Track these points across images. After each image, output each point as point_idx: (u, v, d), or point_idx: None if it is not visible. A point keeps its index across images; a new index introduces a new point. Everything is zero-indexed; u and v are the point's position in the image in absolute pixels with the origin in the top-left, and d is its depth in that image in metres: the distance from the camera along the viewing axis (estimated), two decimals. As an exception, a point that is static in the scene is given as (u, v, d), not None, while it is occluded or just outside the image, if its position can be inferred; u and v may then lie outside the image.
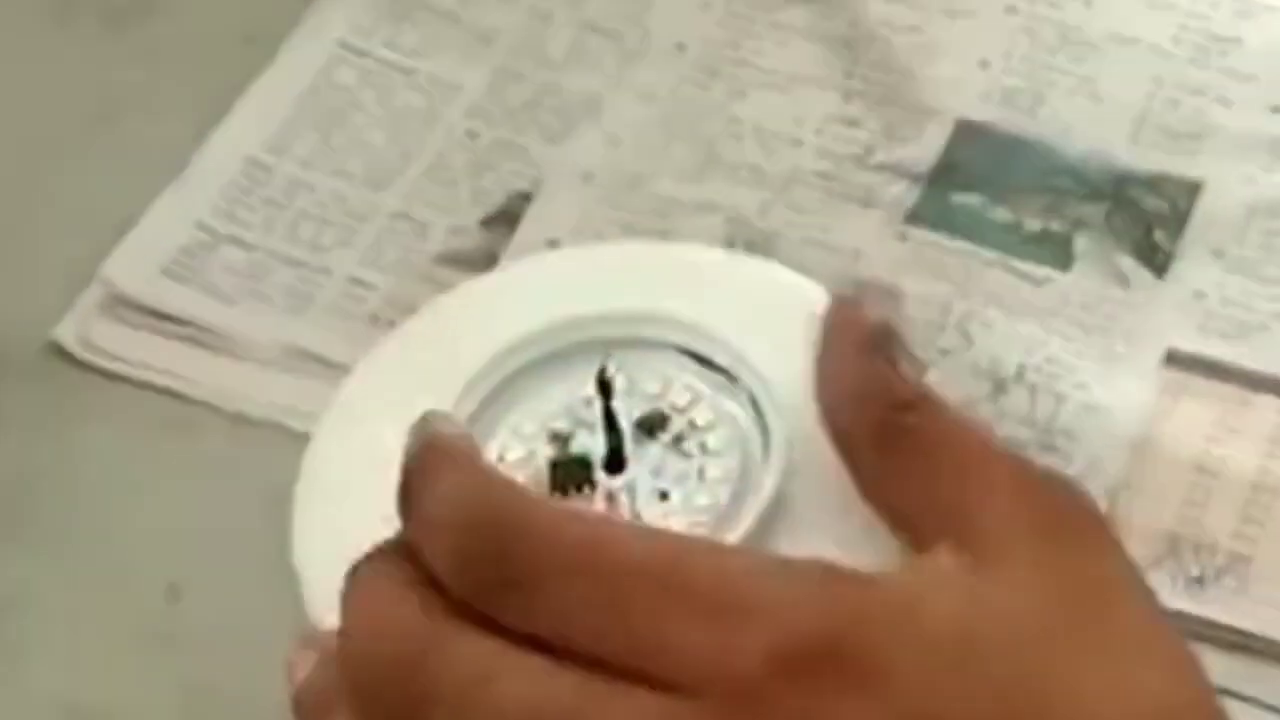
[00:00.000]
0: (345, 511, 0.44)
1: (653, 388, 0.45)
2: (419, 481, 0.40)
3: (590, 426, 0.45)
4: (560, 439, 0.45)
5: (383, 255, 0.67)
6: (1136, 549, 0.50)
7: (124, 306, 0.65)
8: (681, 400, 0.45)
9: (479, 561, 0.38)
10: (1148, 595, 0.38)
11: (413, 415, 0.42)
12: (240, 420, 0.63)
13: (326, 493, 0.45)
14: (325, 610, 0.41)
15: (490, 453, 0.44)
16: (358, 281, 0.66)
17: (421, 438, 0.41)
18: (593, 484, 0.44)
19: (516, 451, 0.45)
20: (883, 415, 0.39)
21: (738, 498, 0.42)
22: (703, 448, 0.44)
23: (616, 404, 0.45)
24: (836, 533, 0.41)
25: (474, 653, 0.37)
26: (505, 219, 0.67)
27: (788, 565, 0.37)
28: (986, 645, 0.35)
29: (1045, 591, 0.36)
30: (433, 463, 0.40)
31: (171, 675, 0.57)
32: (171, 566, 0.59)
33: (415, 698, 0.37)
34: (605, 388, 0.44)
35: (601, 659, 0.36)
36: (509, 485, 0.40)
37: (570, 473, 0.44)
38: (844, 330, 0.41)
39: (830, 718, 0.34)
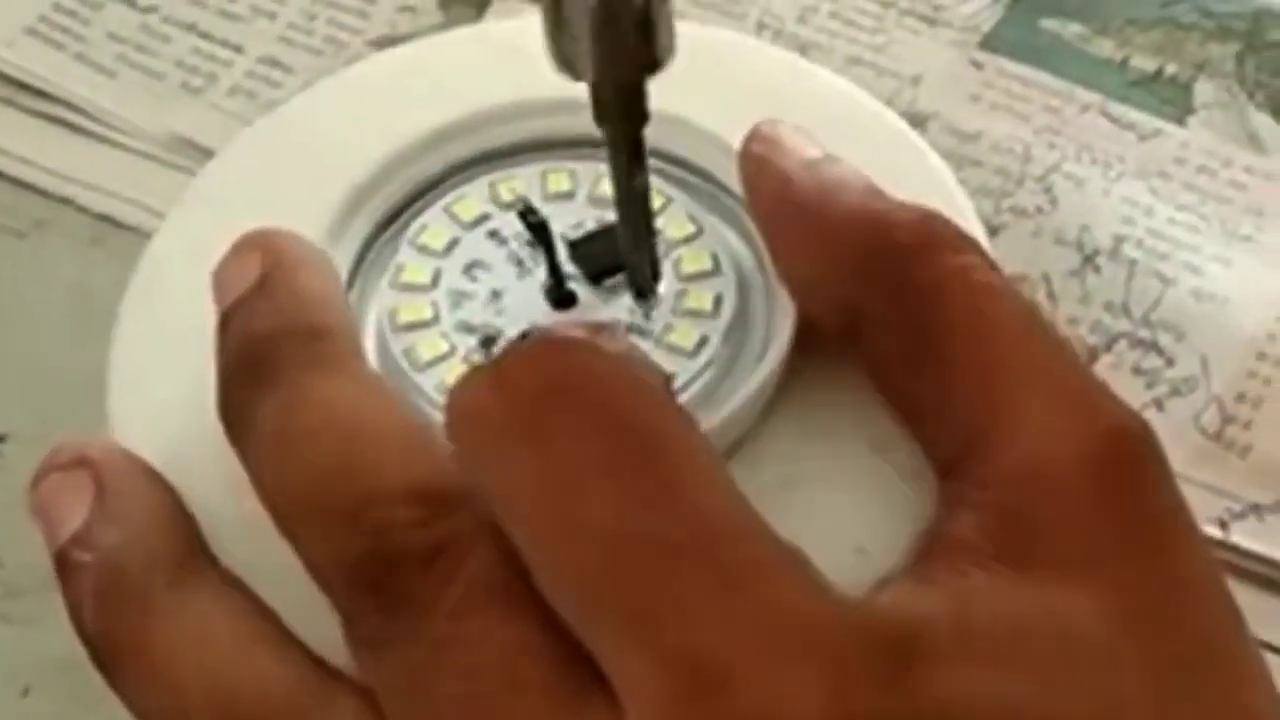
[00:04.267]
0: (172, 345, 0.37)
1: None
2: (247, 394, 0.33)
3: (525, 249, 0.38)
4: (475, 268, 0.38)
5: (310, 33, 0.59)
6: (1254, 485, 0.50)
7: (-24, 72, 0.59)
8: (678, 232, 0.38)
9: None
10: (1216, 587, 0.31)
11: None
12: (105, 224, 0.56)
13: (154, 313, 0.39)
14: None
15: (381, 287, 0.37)
16: (273, 62, 0.59)
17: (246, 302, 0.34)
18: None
19: (418, 274, 0.38)
20: (879, 271, 0.32)
21: (729, 360, 0.35)
22: (676, 267, 0.37)
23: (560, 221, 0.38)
24: (859, 426, 0.34)
25: None
26: (474, -1, 0.60)
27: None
28: None
29: (1092, 595, 0.30)
30: (270, 360, 0.33)
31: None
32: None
33: None
34: (537, 231, 0.37)
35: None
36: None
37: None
38: (791, 168, 0.34)
39: None
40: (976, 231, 0.38)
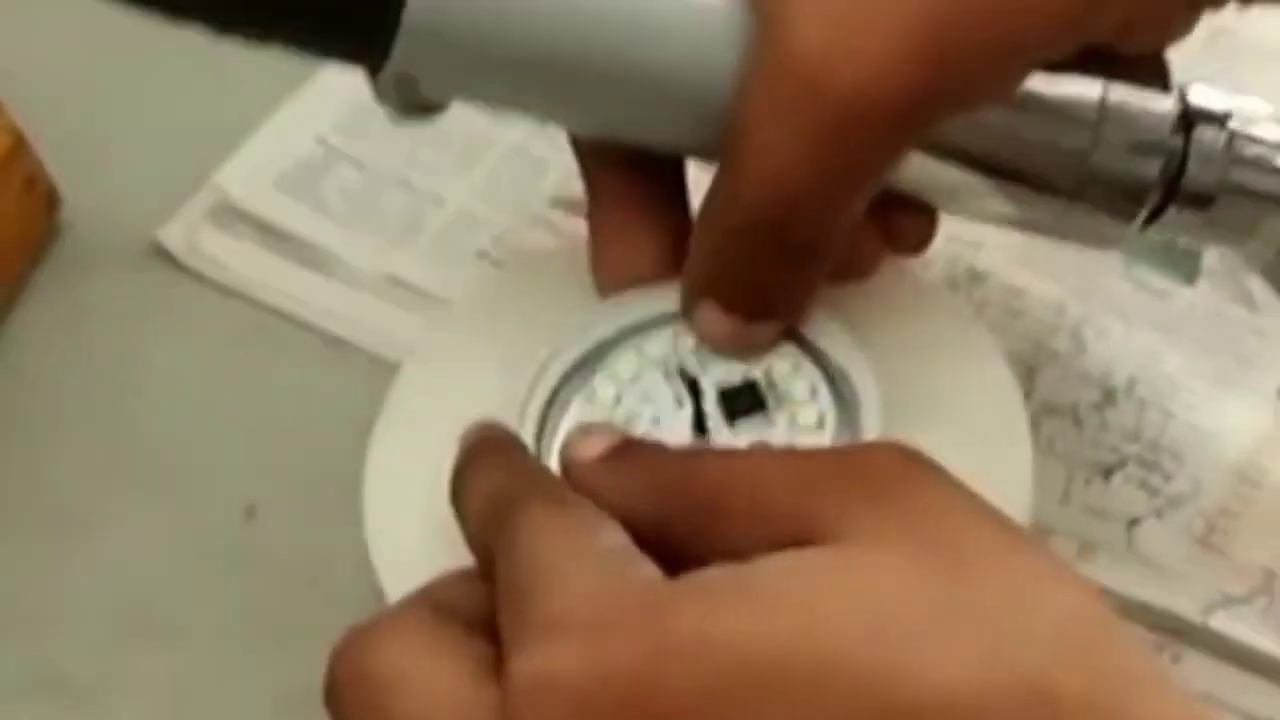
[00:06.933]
0: (420, 459, 0.42)
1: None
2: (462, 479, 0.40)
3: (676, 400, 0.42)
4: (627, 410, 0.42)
5: (498, 190, 0.63)
6: (1232, 579, 0.53)
7: (233, 216, 0.61)
8: (783, 367, 0.42)
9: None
10: (995, 531, 0.34)
11: (504, 362, 0.41)
12: (336, 344, 0.59)
13: (403, 436, 0.44)
14: (387, 562, 0.41)
15: (570, 418, 0.42)
16: (470, 215, 0.62)
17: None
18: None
19: (606, 393, 0.43)
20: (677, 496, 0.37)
21: None
22: (791, 421, 0.41)
23: (705, 377, 0.42)
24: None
25: None
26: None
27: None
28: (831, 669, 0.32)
29: (891, 575, 0.33)
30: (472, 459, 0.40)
31: (241, 596, 0.54)
32: (250, 486, 0.56)
33: None
34: (689, 383, 0.42)
35: None
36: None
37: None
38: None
39: None
40: (1007, 376, 0.44)
